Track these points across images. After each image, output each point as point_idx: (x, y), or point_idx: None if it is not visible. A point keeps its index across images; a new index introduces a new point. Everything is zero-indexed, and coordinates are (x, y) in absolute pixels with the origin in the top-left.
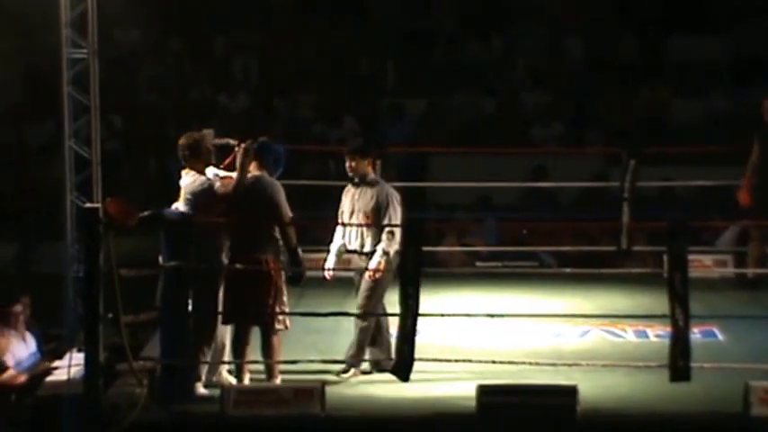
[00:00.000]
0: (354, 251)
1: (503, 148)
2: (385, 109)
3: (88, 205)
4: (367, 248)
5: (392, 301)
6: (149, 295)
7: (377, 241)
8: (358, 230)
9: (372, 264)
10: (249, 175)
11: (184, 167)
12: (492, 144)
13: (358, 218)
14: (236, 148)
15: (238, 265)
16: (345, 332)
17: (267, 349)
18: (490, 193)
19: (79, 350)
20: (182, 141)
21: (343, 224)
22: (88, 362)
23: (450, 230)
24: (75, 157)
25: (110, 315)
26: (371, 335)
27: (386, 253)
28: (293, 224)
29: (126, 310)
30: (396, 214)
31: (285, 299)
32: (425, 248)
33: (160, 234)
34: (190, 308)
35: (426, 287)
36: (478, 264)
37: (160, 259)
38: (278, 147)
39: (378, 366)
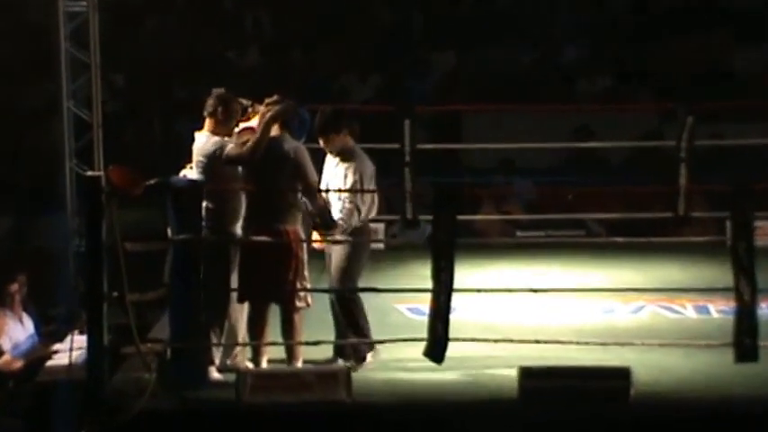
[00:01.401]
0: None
1: (543, 106)
2: (410, 64)
3: (89, 173)
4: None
5: (424, 275)
6: (157, 271)
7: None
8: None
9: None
10: (270, 136)
11: (201, 128)
12: (531, 102)
13: (332, 188)
14: (249, 110)
15: (255, 237)
16: (372, 310)
17: (287, 329)
18: (530, 155)
19: (81, 332)
20: (212, 98)
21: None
22: (91, 345)
23: (487, 197)
24: (74, 121)
25: (114, 293)
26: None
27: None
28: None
29: (132, 288)
30: (366, 181)
31: (306, 273)
32: (460, 217)
33: (168, 204)
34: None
35: (461, 260)
36: (519, 233)
37: (168, 232)
38: (303, 112)
39: (341, 354)
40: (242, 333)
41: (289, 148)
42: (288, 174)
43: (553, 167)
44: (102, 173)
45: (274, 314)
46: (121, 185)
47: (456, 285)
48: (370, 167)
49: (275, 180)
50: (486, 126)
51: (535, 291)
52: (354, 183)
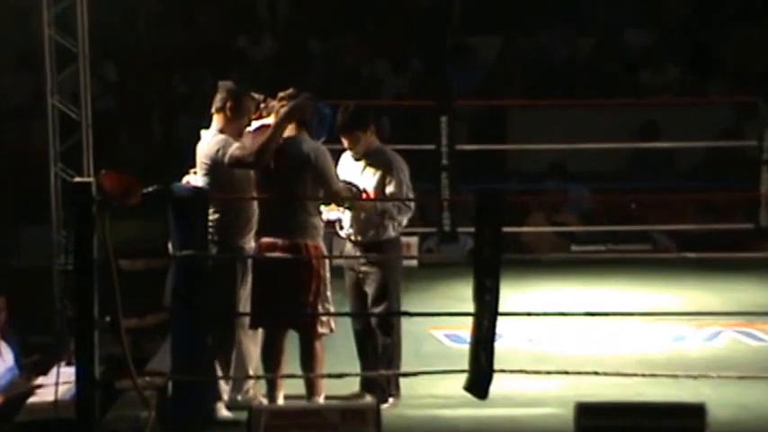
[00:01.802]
0: (352, 240)
1: (602, 101)
2: (449, 52)
3: (77, 180)
4: (372, 236)
5: (464, 297)
6: (156, 293)
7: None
8: (359, 213)
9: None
10: (285, 136)
11: (207, 127)
12: (587, 95)
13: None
14: (262, 105)
15: (270, 253)
16: (404, 337)
17: (307, 359)
18: (587, 157)
19: (68, 363)
20: (221, 92)
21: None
22: (80, 378)
23: (537, 206)
24: (59, 119)
25: (107, 318)
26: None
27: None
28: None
29: (127, 312)
30: (403, 185)
31: (329, 294)
32: (505, 229)
33: (169, 215)
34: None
35: (507, 278)
36: (574, 248)
37: (169, 247)
38: (323, 107)
39: (369, 388)
40: (254, 364)
41: (308, 149)
42: (307, 179)
43: (614, 171)
44: (92, 179)
45: (292, 341)
46: (115, 193)
47: (502, 308)
48: (407, 170)
49: (293, 187)
50: (536, 123)
51: (593, 314)
52: (396, 190)
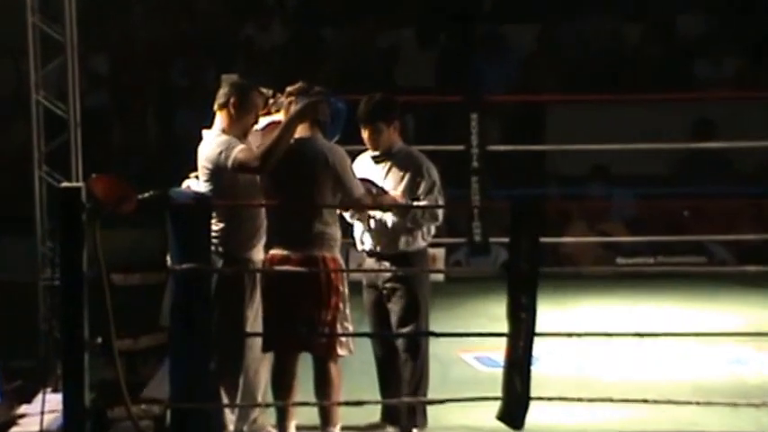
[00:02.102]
0: (375, 253)
1: (652, 95)
2: (479, 40)
3: (65, 185)
4: (400, 246)
5: (497, 315)
6: (153, 311)
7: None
8: (383, 221)
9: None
10: (296, 137)
11: (210, 126)
12: (635, 89)
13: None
14: (270, 101)
15: (281, 266)
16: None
17: (323, 384)
18: (633, 158)
19: (55, 390)
20: (225, 87)
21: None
22: (68, 406)
23: (579, 213)
24: (44, 117)
25: (98, 340)
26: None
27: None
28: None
29: (121, 333)
30: (436, 191)
31: (348, 312)
32: (543, 239)
33: (167, 224)
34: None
35: (546, 294)
36: (620, 260)
37: (168, 259)
38: (337, 101)
39: (391, 418)
40: (263, 390)
41: (323, 150)
42: (324, 184)
43: (664, 174)
44: (81, 184)
45: (304, 364)
46: (107, 200)
47: (539, 328)
48: (436, 173)
49: (307, 193)
50: (578, 121)
51: (642, 335)
52: (429, 194)
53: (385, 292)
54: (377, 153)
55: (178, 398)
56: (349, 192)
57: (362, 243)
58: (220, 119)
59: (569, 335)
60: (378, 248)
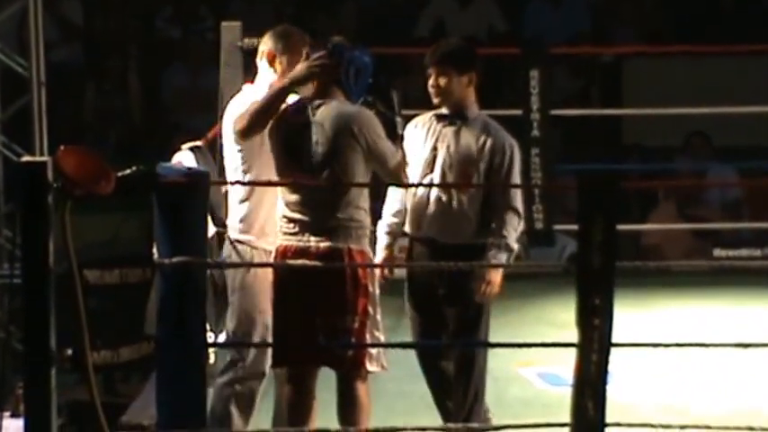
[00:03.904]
0: (432, 241)
1: (758, 46)
2: None
3: (26, 159)
4: (465, 236)
5: (563, 321)
6: (136, 316)
7: (483, 225)
8: (443, 200)
9: (493, 273)
10: (316, 102)
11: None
12: (737, 39)
13: (448, 177)
14: None
15: (298, 260)
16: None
17: (348, 406)
18: (736, 125)
19: (14, 414)
20: (270, 34)
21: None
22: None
23: (666, 194)
24: (1, 75)
25: (68, 351)
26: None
27: (509, 249)
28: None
29: (96, 343)
30: (516, 176)
31: (380, 319)
32: (621, 227)
33: (154, 208)
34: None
35: (624, 295)
36: (717, 252)
37: (154, 251)
38: (362, 53)
39: None
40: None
41: (347, 116)
42: (351, 159)
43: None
44: (47, 158)
45: (324, 381)
46: (79, 178)
47: (616, 337)
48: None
49: (328, 169)
50: (663, 79)
51: (747, 346)
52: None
53: (441, 292)
54: (444, 111)
55: (166, 423)
56: (383, 162)
57: (414, 227)
58: (264, 72)
59: (655, 345)
60: (437, 236)
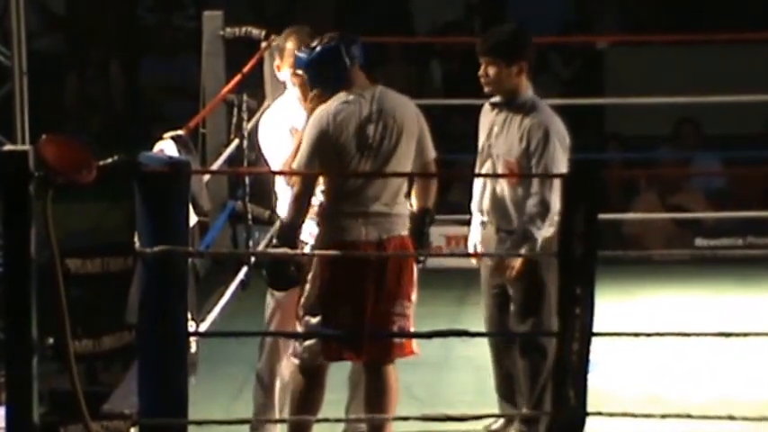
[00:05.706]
0: (496, 227)
1: (742, 34)
2: None
3: (8, 148)
4: (514, 223)
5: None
6: (117, 305)
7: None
8: (494, 188)
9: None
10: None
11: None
12: (720, 26)
13: (497, 166)
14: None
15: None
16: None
17: (378, 391)
18: (719, 114)
19: None
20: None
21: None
22: (13, 422)
23: (648, 182)
24: None
25: (49, 340)
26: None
27: (527, 237)
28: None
29: (78, 332)
30: (559, 162)
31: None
32: (603, 216)
33: (135, 196)
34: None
35: (605, 284)
36: (700, 241)
37: (136, 241)
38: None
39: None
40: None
41: (409, 103)
42: (409, 146)
43: (754, 134)
44: (28, 147)
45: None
46: (61, 167)
47: (597, 326)
48: (568, 140)
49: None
50: (646, 67)
51: (728, 335)
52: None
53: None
54: (497, 99)
55: (148, 412)
56: (426, 153)
57: (482, 213)
58: (292, 87)
59: (636, 335)
60: (498, 224)
